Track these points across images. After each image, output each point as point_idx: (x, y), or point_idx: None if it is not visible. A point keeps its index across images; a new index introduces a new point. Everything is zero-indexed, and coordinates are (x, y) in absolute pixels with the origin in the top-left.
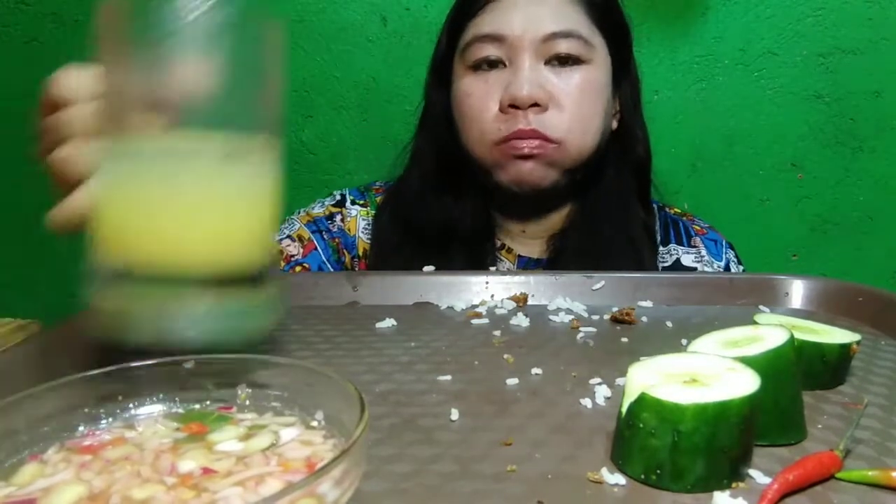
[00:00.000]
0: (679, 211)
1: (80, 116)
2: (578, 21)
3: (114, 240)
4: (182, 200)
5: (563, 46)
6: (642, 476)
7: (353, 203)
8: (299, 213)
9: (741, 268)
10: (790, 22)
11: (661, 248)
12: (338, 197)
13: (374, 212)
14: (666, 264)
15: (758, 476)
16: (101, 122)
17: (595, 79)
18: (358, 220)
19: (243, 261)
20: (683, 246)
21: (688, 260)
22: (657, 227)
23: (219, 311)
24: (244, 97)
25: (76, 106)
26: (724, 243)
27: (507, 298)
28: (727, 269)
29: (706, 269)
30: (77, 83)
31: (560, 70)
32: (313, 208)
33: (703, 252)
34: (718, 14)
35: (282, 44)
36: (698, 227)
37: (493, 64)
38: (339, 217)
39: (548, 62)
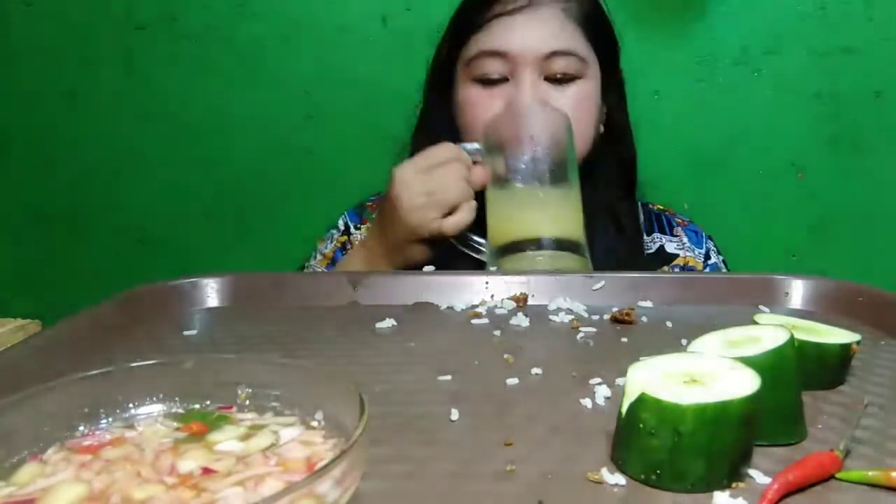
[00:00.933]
0: (662, 207)
1: (461, 168)
2: (575, 39)
3: (504, 229)
4: (541, 208)
5: (562, 64)
6: (642, 476)
7: (356, 228)
8: (315, 257)
9: (721, 257)
10: (790, 22)
11: (646, 238)
12: (341, 226)
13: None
14: (650, 251)
15: (758, 476)
16: (489, 175)
17: (588, 91)
18: None
19: (569, 236)
20: (666, 235)
21: (671, 247)
22: (641, 220)
23: (559, 259)
24: (565, 162)
25: (457, 163)
26: (703, 234)
27: (507, 298)
28: (707, 256)
29: (688, 254)
30: (455, 151)
31: (558, 86)
32: (325, 247)
33: (685, 240)
34: (718, 14)
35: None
36: (680, 220)
37: (496, 79)
38: (349, 245)
39: (547, 78)
